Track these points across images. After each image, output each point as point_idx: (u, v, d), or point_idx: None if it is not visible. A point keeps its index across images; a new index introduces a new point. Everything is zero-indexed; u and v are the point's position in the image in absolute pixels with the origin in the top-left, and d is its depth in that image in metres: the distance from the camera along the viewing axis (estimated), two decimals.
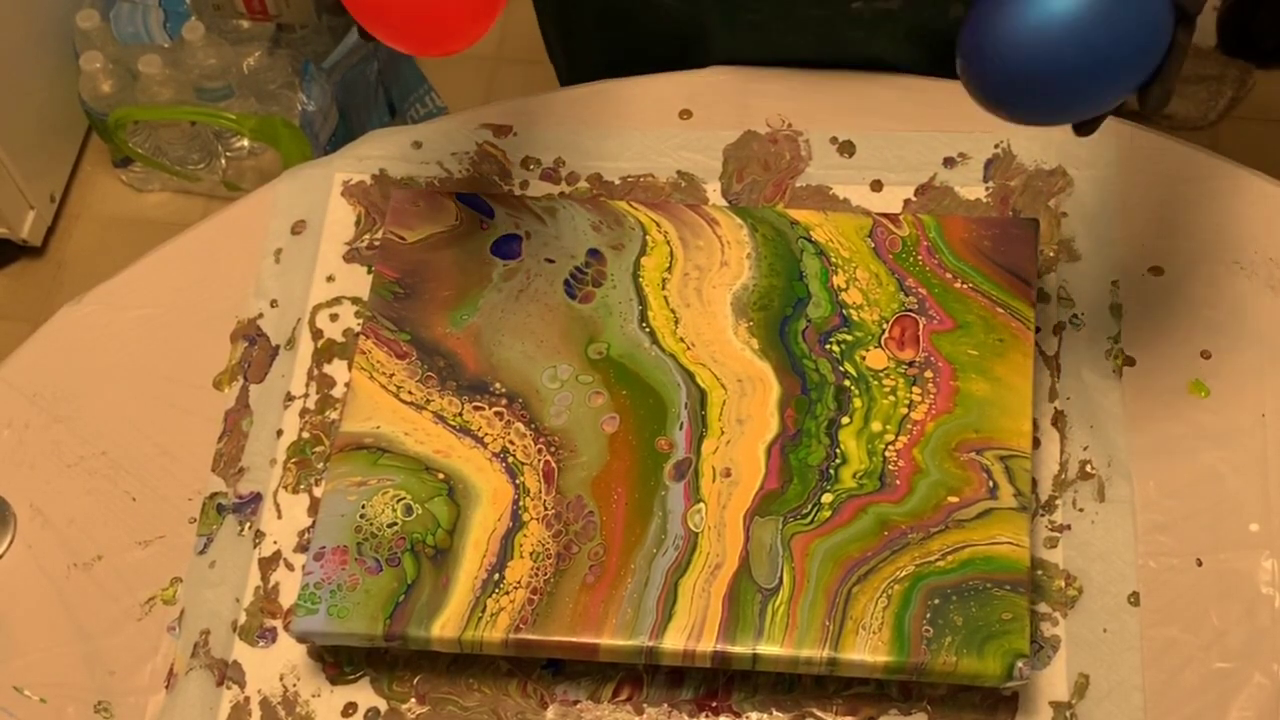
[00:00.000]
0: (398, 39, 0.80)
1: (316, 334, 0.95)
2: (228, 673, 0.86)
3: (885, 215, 0.93)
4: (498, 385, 0.89)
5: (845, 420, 0.86)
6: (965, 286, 0.89)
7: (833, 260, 0.91)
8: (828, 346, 0.88)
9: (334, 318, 0.96)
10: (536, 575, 0.82)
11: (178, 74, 1.76)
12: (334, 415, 0.92)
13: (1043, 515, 0.86)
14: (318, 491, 0.90)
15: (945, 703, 0.82)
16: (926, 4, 0.97)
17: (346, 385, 0.91)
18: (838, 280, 0.90)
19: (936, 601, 0.80)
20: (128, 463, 0.93)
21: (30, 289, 1.86)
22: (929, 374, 0.87)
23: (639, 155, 1.00)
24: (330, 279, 0.97)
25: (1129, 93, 0.74)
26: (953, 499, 0.83)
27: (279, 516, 0.90)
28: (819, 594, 0.81)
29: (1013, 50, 0.72)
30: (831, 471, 0.84)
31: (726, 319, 0.90)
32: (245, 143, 1.85)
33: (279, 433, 0.92)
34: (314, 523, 0.86)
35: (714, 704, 0.83)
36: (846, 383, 0.87)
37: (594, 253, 0.93)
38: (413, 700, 0.84)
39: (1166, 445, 0.88)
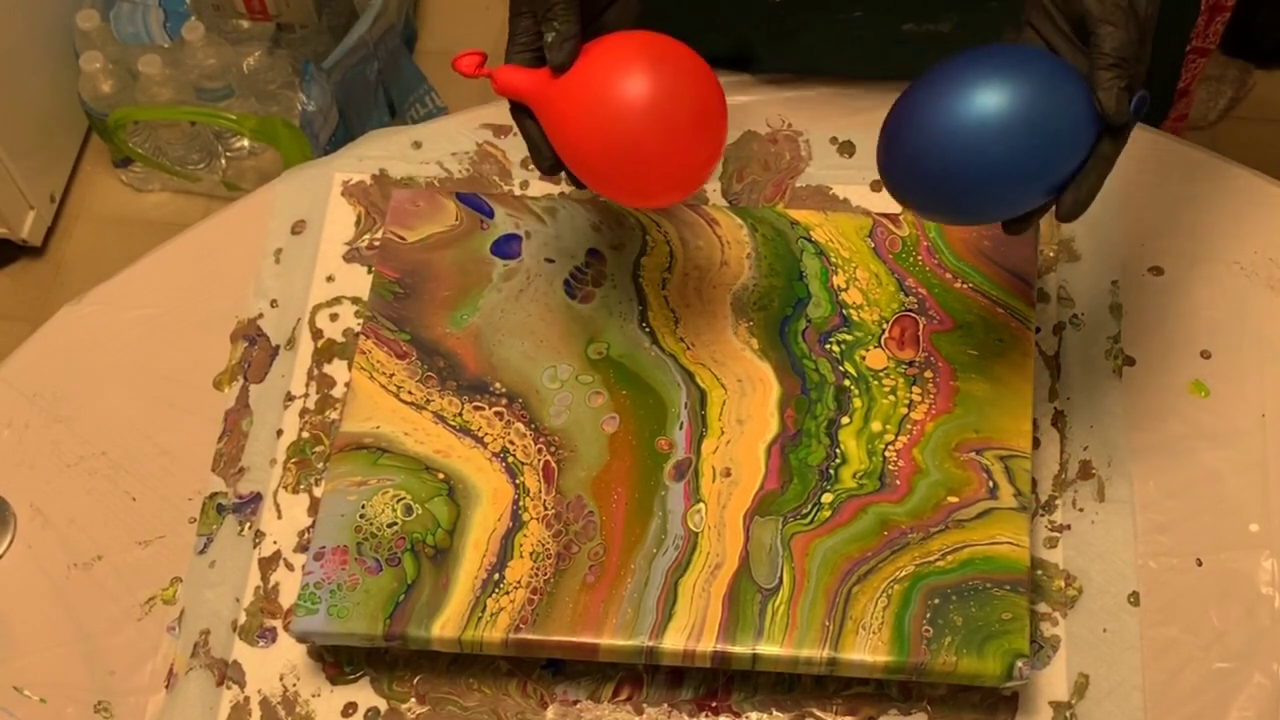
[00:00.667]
0: (634, 200, 0.83)
1: (316, 334, 0.95)
2: (228, 673, 0.86)
3: (885, 215, 0.93)
4: (498, 385, 0.89)
5: (845, 420, 0.86)
6: (965, 286, 0.89)
7: (833, 260, 0.91)
8: (828, 346, 0.88)
9: (334, 318, 0.96)
10: (536, 575, 0.82)
11: (178, 74, 1.76)
12: (334, 415, 0.92)
13: (1043, 515, 0.86)
14: (318, 491, 0.90)
15: (945, 703, 0.82)
16: (978, 26, 0.96)
17: (346, 385, 0.91)
18: (838, 280, 0.90)
19: (936, 601, 0.80)
20: (128, 463, 0.93)
21: (30, 289, 1.86)
22: (929, 374, 0.87)
23: None
24: (330, 279, 0.97)
25: (1043, 199, 0.73)
26: (953, 499, 0.83)
27: (279, 516, 0.90)
28: (819, 594, 0.81)
29: (921, 155, 0.71)
30: (831, 471, 0.84)
31: (726, 319, 0.90)
32: (245, 143, 1.85)
33: (279, 433, 0.92)
34: (314, 523, 0.86)
35: (714, 704, 0.83)
36: (846, 383, 0.87)
37: (594, 253, 0.93)
38: (413, 700, 0.84)
39: (1166, 445, 0.88)
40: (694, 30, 1.02)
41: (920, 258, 0.91)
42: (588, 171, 0.77)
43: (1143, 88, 0.71)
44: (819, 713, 0.83)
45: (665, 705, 0.84)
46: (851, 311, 0.89)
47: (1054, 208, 0.73)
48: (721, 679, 0.84)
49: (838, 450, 0.85)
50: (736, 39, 1.01)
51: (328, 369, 0.94)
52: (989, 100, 0.70)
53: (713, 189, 0.98)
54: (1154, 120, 1.17)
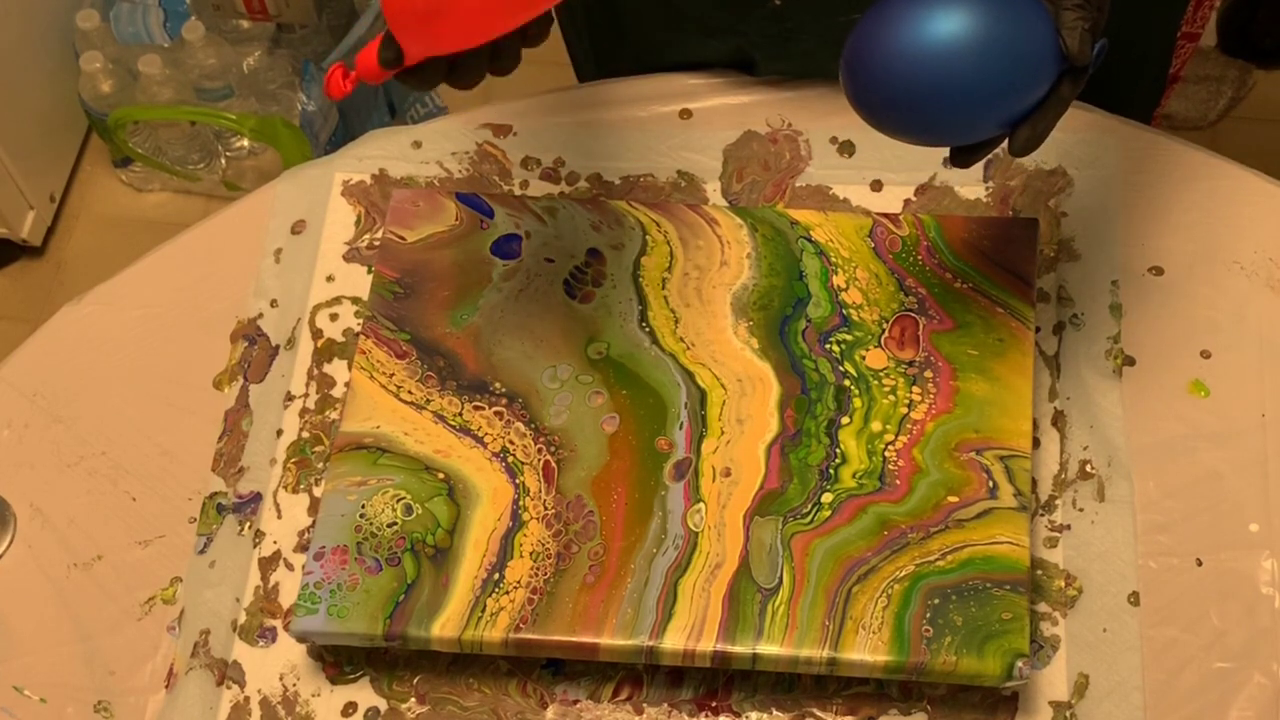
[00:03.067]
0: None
1: (316, 334, 0.95)
2: (228, 672, 0.86)
3: (885, 215, 0.93)
4: (498, 385, 0.89)
5: (845, 420, 0.86)
6: (965, 286, 0.89)
7: (833, 260, 0.91)
8: (828, 346, 0.88)
9: (334, 318, 0.96)
10: (536, 575, 0.82)
11: (178, 74, 1.76)
12: (334, 415, 0.92)
13: (1043, 515, 0.86)
14: (318, 491, 0.90)
15: (945, 703, 0.82)
16: None
17: (346, 385, 0.91)
18: (838, 280, 0.90)
19: (936, 601, 0.80)
20: (128, 463, 0.93)
21: (30, 289, 1.87)
22: (929, 374, 0.87)
23: (639, 155, 1.00)
24: (330, 279, 0.97)
25: (998, 130, 0.74)
26: (953, 499, 0.83)
27: (279, 516, 0.90)
28: (819, 594, 0.81)
29: (884, 66, 0.72)
30: (831, 471, 0.84)
31: (726, 319, 0.90)
32: (245, 143, 1.85)
33: (279, 432, 0.92)
34: (314, 522, 0.86)
35: (714, 704, 0.83)
36: (846, 382, 0.87)
37: (594, 252, 0.93)
38: (413, 700, 0.84)
39: (1166, 445, 0.88)
40: (694, 36, 1.02)
41: (920, 258, 0.91)
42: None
43: (1102, 36, 0.73)
44: (819, 713, 0.83)
45: (665, 705, 0.84)
46: (851, 311, 0.89)
47: (1007, 142, 0.74)
48: (721, 679, 0.84)
49: (838, 450, 0.85)
50: (737, 45, 1.01)
51: (328, 369, 0.94)
52: (959, 15, 0.71)
53: (713, 189, 0.98)
54: (1147, 108, 1.17)
